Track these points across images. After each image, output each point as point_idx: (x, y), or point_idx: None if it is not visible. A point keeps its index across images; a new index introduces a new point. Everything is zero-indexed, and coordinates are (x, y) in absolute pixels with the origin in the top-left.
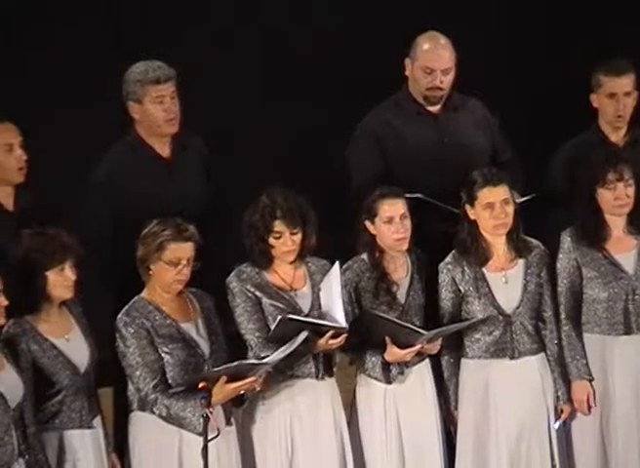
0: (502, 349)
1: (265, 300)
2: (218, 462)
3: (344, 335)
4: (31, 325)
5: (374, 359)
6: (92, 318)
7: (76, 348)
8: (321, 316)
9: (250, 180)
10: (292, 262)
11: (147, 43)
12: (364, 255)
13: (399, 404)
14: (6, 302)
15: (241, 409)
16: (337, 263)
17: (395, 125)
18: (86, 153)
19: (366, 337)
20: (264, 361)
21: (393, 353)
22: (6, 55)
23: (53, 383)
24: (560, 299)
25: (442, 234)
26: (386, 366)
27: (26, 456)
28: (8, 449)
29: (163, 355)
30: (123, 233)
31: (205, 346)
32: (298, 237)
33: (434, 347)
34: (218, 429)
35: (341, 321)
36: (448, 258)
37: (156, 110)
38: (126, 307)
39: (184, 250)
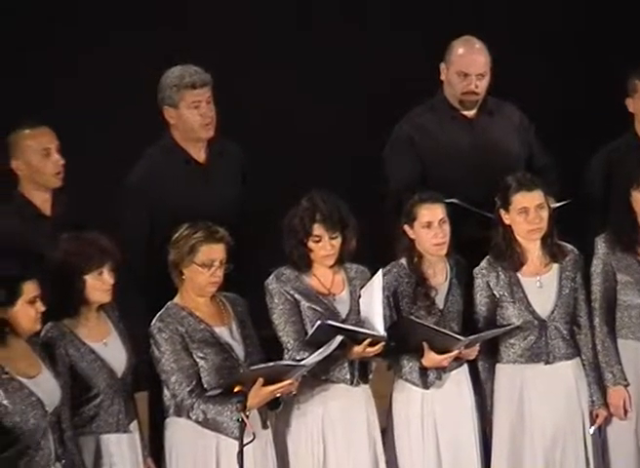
0: (537, 354)
1: (304, 303)
2: (254, 466)
3: (382, 344)
4: (69, 329)
5: (411, 364)
6: (126, 323)
7: (114, 352)
8: (359, 322)
9: (288, 185)
10: (331, 267)
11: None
12: (403, 260)
13: (436, 409)
14: (43, 308)
15: (275, 412)
16: (380, 271)
17: (431, 129)
18: (122, 157)
19: (403, 342)
20: (301, 363)
21: (431, 358)
22: (39, 58)
23: (90, 387)
24: (594, 305)
25: (476, 239)
26: (424, 371)
27: (63, 460)
28: (45, 453)
29: (198, 360)
30: (158, 238)
31: (239, 350)
32: (337, 241)
33: (472, 352)
34: (253, 433)
35: (380, 329)
36: (482, 263)
37: (192, 115)
38: (159, 313)
39: (217, 251)
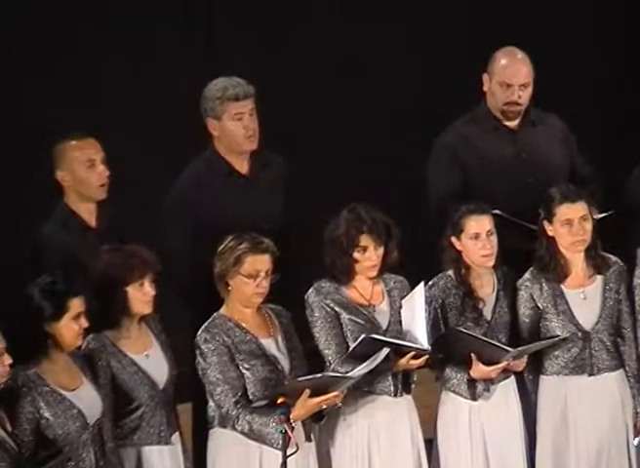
0: (581, 366)
1: (344, 316)
2: None
3: (425, 357)
4: (111, 341)
5: (459, 375)
6: (171, 334)
7: (155, 364)
8: (400, 334)
9: (328, 197)
10: (371, 278)
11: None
12: (450, 272)
13: (484, 420)
14: (86, 324)
15: (319, 424)
16: (422, 283)
17: (473, 140)
18: (166, 169)
19: (451, 354)
20: (348, 375)
21: (479, 370)
22: (84, 67)
23: (132, 399)
24: (638, 316)
25: (519, 251)
26: (472, 382)
27: None
28: (86, 465)
29: (243, 371)
30: (202, 249)
31: (285, 362)
32: (381, 252)
33: (520, 364)
34: (297, 445)
35: (424, 342)
36: (526, 275)
37: (235, 127)
38: (205, 324)
39: (262, 262)
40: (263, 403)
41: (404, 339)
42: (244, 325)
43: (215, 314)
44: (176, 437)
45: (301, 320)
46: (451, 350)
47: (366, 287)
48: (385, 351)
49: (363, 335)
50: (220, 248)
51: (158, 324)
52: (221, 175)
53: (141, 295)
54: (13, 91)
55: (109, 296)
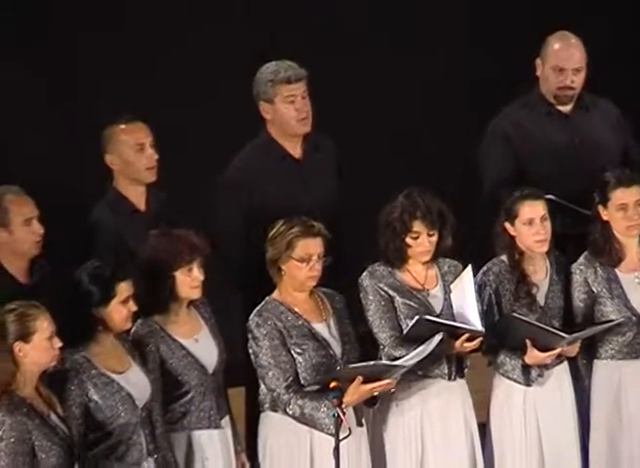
0: (636, 350)
1: (398, 299)
2: (347, 463)
3: (480, 339)
4: (160, 325)
5: (513, 361)
6: (223, 318)
7: (205, 348)
8: (453, 318)
9: (381, 180)
10: (424, 263)
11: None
12: (503, 257)
13: (538, 406)
14: (135, 308)
15: (372, 409)
16: (469, 266)
17: (526, 125)
18: (218, 152)
19: (505, 339)
20: (401, 363)
21: (534, 356)
22: (142, 54)
23: (181, 384)
24: None
25: (573, 235)
26: (526, 368)
27: (155, 456)
28: (137, 449)
29: (295, 355)
30: (254, 233)
31: (337, 346)
32: (434, 238)
33: (574, 349)
34: (349, 429)
35: (477, 324)
36: (580, 259)
37: (288, 110)
38: (257, 308)
39: (314, 245)
40: (316, 387)
41: (458, 321)
42: (296, 309)
43: (267, 298)
44: (226, 421)
45: (355, 303)
46: (505, 336)
47: (420, 271)
48: (438, 338)
49: (417, 317)
50: (272, 232)
51: (208, 308)
52: (274, 158)
53: (190, 280)
54: (68, 77)
55: (157, 281)
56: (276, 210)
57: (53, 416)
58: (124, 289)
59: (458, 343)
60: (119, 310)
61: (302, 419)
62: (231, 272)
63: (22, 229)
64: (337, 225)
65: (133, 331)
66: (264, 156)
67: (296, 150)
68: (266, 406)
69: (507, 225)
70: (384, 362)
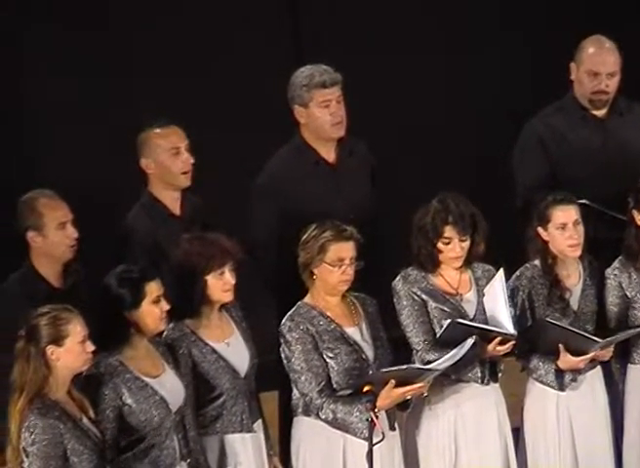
0: None
1: (431, 304)
2: (380, 466)
3: (512, 342)
4: (191, 329)
5: (547, 366)
6: (257, 322)
7: (236, 352)
8: (486, 322)
9: (416, 184)
10: (457, 268)
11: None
12: (536, 262)
13: (571, 410)
14: (167, 307)
15: (405, 412)
16: (501, 270)
17: (560, 129)
18: (252, 156)
19: (539, 344)
20: (434, 367)
21: (567, 361)
22: (178, 56)
23: (213, 387)
24: None
25: (607, 240)
26: (560, 373)
27: (188, 460)
28: (170, 453)
29: (327, 360)
30: (288, 237)
31: (369, 351)
32: (466, 244)
33: (607, 354)
34: (383, 433)
35: (509, 327)
36: (615, 264)
37: (322, 114)
38: (290, 312)
39: (346, 249)
40: (348, 392)
41: (490, 325)
42: (328, 313)
43: (299, 303)
44: (258, 424)
45: (387, 308)
46: (539, 340)
47: (453, 275)
48: (471, 341)
49: (449, 320)
50: (304, 237)
51: (239, 312)
52: (308, 163)
53: (222, 284)
54: (100, 84)
55: (189, 285)
56: (310, 214)
57: (85, 420)
58: (154, 288)
59: (490, 347)
60: (151, 310)
61: (335, 424)
62: (265, 276)
63: (56, 233)
64: (370, 229)
65: (165, 334)
66: (298, 160)
67: (330, 155)
68: (299, 410)
69: (540, 230)
70: (417, 366)
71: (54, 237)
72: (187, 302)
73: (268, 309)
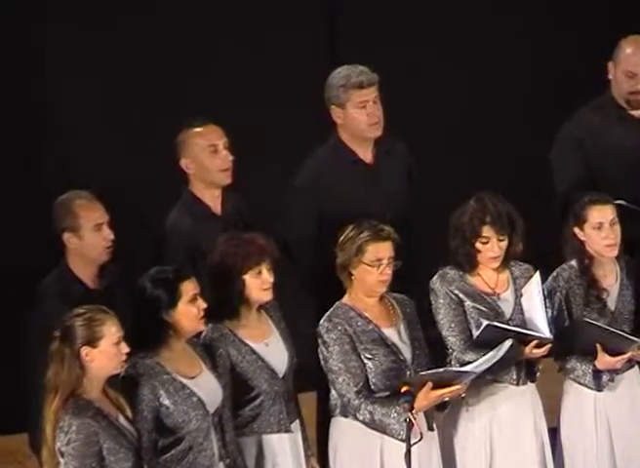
0: None
1: (468, 303)
2: (418, 466)
3: (548, 346)
4: (230, 329)
5: (584, 366)
6: (294, 322)
7: (275, 352)
8: (523, 322)
9: (454, 184)
10: (495, 268)
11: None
12: (573, 262)
13: (609, 411)
14: (204, 305)
15: (443, 413)
16: (537, 273)
17: (598, 129)
18: (290, 155)
19: (576, 344)
20: (471, 370)
21: (605, 361)
22: (217, 55)
23: (251, 388)
24: None
25: None
26: (597, 373)
27: (227, 461)
28: (208, 455)
29: (365, 361)
30: (325, 238)
31: (407, 351)
32: (504, 243)
33: None
34: (421, 433)
35: (546, 331)
36: None
37: (359, 115)
38: (327, 313)
39: (384, 249)
40: (386, 394)
41: (526, 328)
42: (366, 314)
43: (337, 303)
44: (296, 425)
45: (422, 307)
46: (576, 341)
47: (491, 274)
48: (508, 344)
49: (485, 323)
50: (342, 238)
51: (278, 311)
52: (345, 163)
53: (260, 283)
54: (137, 84)
55: (227, 286)
56: (347, 214)
57: (121, 419)
58: (189, 287)
59: (527, 350)
60: (188, 310)
61: (372, 425)
62: (302, 276)
63: (92, 235)
64: (407, 229)
65: (203, 335)
66: (335, 160)
67: (366, 155)
68: (337, 411)
69: (577, 230)
70: (455, 368)
71: (90, 239)
72: (226, 303)
73: (305, 310)
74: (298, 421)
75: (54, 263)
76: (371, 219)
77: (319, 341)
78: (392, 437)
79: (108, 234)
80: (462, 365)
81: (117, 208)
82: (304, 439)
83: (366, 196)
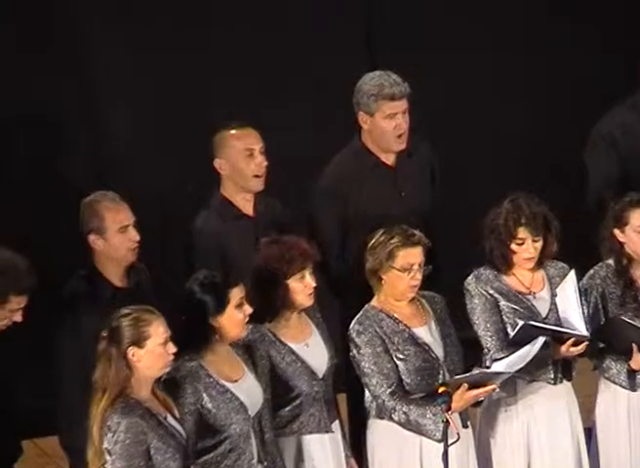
0: None
1: (503, 303)
2: (455, 466)
3: (585, 343)
4: (270, 330)
5: (619, 366)
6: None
7: (315, 353)
8: (559, 321)
9: (484, 185)
10: (530, 269)
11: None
12: (610, 261)
13: None
14: (250, 310)
15: (478, 408)
16: (572, 271)
17: (631, 126)
18: (316, 157)
19: (611, 343)
20: (506, 370)
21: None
22: (246, 55)
23: (291, 389)
24: None
25: None
26: (632, 373)
27: (265, 463)
28: (247, 457)
29: (397, 361)
30: (350, 241)
31: (439, 349)
32: (539, 244)
33: None
34: (458, 434)
35: (583, 329)
36: None
37: (387, 125)
38: (358, 316)
39: (415, 254)
40: (422, 395)
41: (563, 326)
42: (396, 315)
43: (366, 306)
44: (336, 425)
45: (455, 309)
46: (612, 340)
47: (526, 274)
48: (541, 341)
49: (522, 322)
50: (372, 242)
51: (318, 313)
52: (367, 166)
53: (303, 288)
54: (176, 77)
55: (271, 289)
56: (370, 217)
57: (169, 418)
58: (237, 293)
59: (563, 348)
60: (235, 315)
61: (408, 426)
62: (329, 279)
63: (118, 237)
64: (430, 231)
65: (244, 336)
66: (357, 163)
67: (389, 158)
68: (372, 413)
69: (617, 231)
70: (490, 370)
71: (115, 240)
72: (268, 306)
73: (332, 312)
74: (337, 422)
75: (83, 263)
76: (396, 222)
77: (350, 345)
78: (428, 437)
79: (134, 235)
80: (497, 361)
81: (145, 208)
82: (344, 439)
83: (388, 198)
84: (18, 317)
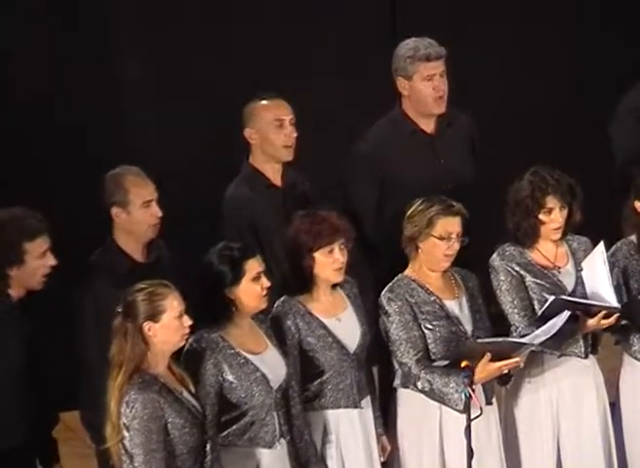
0: None
1: (529, 279)
2: (477, 440)
3: (616, 315)
4: (301, 303)
5: None
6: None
7: (347, 328)
8: (585, 295)
9: (511, 159)
10: (555, 241)
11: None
12: (632, 237)
13: None
14: (268, 284)
15: (506, 387)
16: (601, 243)
17: None
18: (351, 126)
19: (635, 320)
20: (529, 341)
21: None
22: (272, 29)
23: (319, 363)
24: None
25: None
26: None
27: (288, 437)
28: (269, 430)
29: (426, 331)
30: (386, 208)
31: (468, 324)
32: (565, 213)
33: None
34: (481, 408)
35: (612, 301)
36: None
37: (425, 87)
38: (390, 284)
39: (454, 224)
40: (445, 363)
41: (592, 299)
42: (428, 286)
43: (399, 275)
44: (366, 401)
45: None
46: (635, 317)
47: (549, 249)
48: (566, 315)
49: (552, 297)
50: (410, 211)
51: (354, 288)
52: (405, 133)
53: (330, 262)
54: (194, 62)
55: (298, 262)
56: (406, 184)
57: (185, 394)
58: (253, 265)
59: (594, 321)
60: (251, 288)
61: (431, 395)
62: (364, 247)
63: (140, 211)
64: (469, 201)
65: (274, 308)
66: (396, 130)
67: (428, 125)
68: (397, 382)
69: (638, 204)
70: (513, 339)
71: (138, 215)
72: (298, 278)
73: (367, 282)
74: (369, 398)
75: (104, 237)
76: (434, 190)
77: (380, 312)
78: (450, 407)
79: (157, 211)
80: (522, 337)
81: (170, 184)
82: (376, 416)
83: (425, 166)
84: (50, 261)
